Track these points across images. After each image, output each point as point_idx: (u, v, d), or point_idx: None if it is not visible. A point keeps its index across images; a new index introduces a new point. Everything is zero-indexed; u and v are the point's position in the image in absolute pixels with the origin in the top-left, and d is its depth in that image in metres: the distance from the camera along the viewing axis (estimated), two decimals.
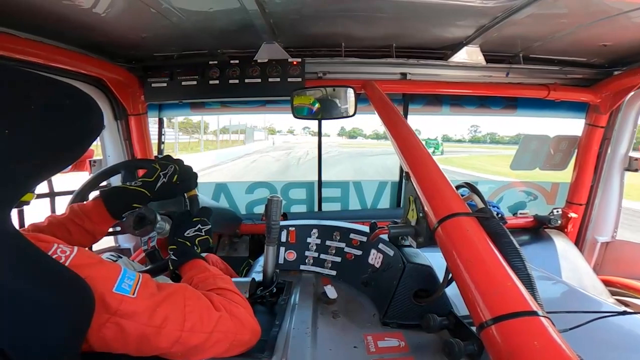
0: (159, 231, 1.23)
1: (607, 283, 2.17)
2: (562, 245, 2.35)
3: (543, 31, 1.62)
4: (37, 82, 0.60)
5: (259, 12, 1.38)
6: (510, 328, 0.57)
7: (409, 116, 2.35)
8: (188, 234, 1.04)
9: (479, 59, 1.88)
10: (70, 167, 0.90)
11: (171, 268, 1.01)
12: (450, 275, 0.88)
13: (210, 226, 1.11)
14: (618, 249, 2.33)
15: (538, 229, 2.50)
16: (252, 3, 1.29)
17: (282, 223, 1.42)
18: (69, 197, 1.47)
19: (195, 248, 1.03)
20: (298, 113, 1.93)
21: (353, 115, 1.92)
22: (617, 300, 1.99)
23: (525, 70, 2.07)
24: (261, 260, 1.43)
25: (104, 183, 1.78)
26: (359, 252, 1.34)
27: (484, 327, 0.59)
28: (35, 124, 0.56)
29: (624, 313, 1.03)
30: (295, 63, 1.89)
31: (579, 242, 2.45)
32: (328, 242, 1.41)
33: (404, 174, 1.13)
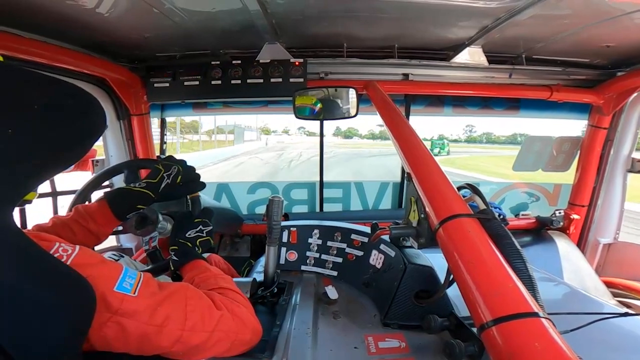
0: (160, 231, 1.23)
1: (609, 284, 2.16)
2: (564, 246, 2.34)
3: (546, 32, 1.61)
4: (40, 82, 0.60)
5: (261, 13, 1.38)
6: (511, 329, 0.56)
7: (410, 117, 2.34)
8: (189, 235, 1.05)
9: (482, 59, 1.88)
10: (72, 166, 0.91)
11: (172, 268, 1.02)
12: (452, 276, 0.88)
13: (211, 227, 1.11)
14: (620, 251, 2.32)
15: (540, 231, 2.49)
16: (254, 3, 1.29)
17: (284, 223, 1.42)
18: (72, 197, 1.48)
19: (197, 249, 1.04)
20: (300, 113, 1.92)
21: (355, 115, 1.92)
22: (619, 301, 1.99)
23: (528, 71, 2.07)
24: (262, 260, 1.43)
25: (107, 183, 1.79)
26: (360, 253, 1.33)
27: (485, 328, 0.59)
28: (38, 123, 0.56)
29: (626, 315, 1.03)
30: (297, 63, 1.89)
31: (581, 243, 2.44)
32: (329, 243, 1.41)
33: (405, 175, 1.13)
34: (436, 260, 1.04)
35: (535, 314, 0.57)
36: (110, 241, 2.16)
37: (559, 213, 2.45)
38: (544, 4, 1.26)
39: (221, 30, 1.62)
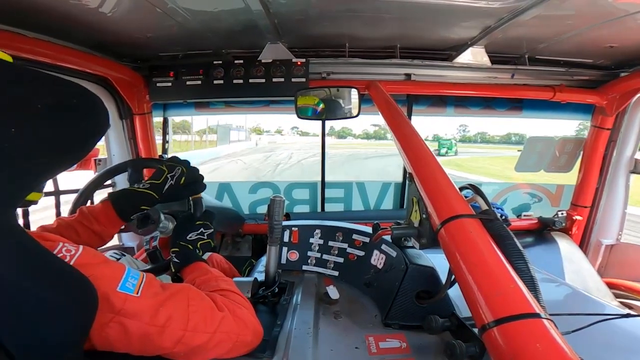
0: (162, 230, 1.24)
1: (611, 286, 2.15)
2: (566, 247, 2.33)
3: (549, 32, 1.61)
4: (44, 82, 0.60)
5: (264, 13, 1.38)
6: (512, 330, 0.56)
7: (412, 117, 2.34)
8: (190, 237, 1.05)
9: (484, 60, 1.87)
10: (75, 165, 0.91)
11: (173, 270, 1.02)
12: (453, 276, 0.88)
13: (212, 230, 1.12)
14: (623, 252, 2.31)
15: (542, 231, 2.48)
16: (256, 3, 1.29)
17: (285, 223, 1.42)
18: (75, 196, 1.48)
19: (198, 251, 1.04)
20: (302, 113, 1.92)
21: (357, 115, 1.92)
22: (621, 302, 1.98)
23: (531, 72, 2.06)
24: (263, 260, 1.43)
25: (109, 182, 1.80)
26: (361, 253, 1.33)
27: (486, 328, 0.59)
28: (41, 123, 0.56)
29: (628, 316, 1.02)
30: (299, 63, 1.89)
31: (583, 244, 2.43)
32: (331, 243, 1.41)
33: (407, 175, 1.13)
34: (438, 261, 1.04)
35: (537, 315, 0.57)
36: (113, 240, 2.16)
37: (562, 214, 2.44)
38: (547, 4, 1.25)
39: (223, 30, 1.63)
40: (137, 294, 0.65)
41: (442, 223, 0.82)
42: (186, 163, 1.14)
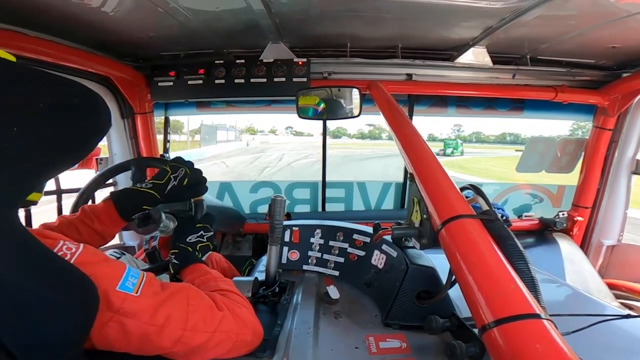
0: (163, 229, 1.23)
1: (612, 286, 2.15)
2: (567, 248, 2.33)
3: (551, 33, 1.61)
4: (46, 81, 0.60)
5: (265, 12, 1.38)
6: (512, 330, 0.56)
7: (414, 117, 2.34)
8: (190, 239, 1.05)
9: (486, 60, 1.87)
10: (77, 164, 0.91)
11: (172, 272, 1.02)
12: (453, 277, 0.88)
13: (212, 233, 1.12)
14: (624, 253, 2.31)
15: (543, 232, 2.48)
16: (258, 3, 1.29)
17: (286, 223, 1.42)
18: (76, 195, 1.48)
19: (197, 253, 1.04)
20: (303, 113, 1.92)
21: (358, 115, 1.92)
22: (622, 303, 1.97)
23: (533, 72, 2.06)
24: (264, 259, 1.43)
25: (110, 181, 1.80)
26: (362, 253, 1.33)
27: (486, 329, 0.59)
28: (43, 122, 0.56)
29: (628, 316, 1.02)
30: (300, 63, 1.89)
31: (584, 245, 2.43)
32: (331, 243, 1.41)
33: (408, 175, 1.13)
34: (438, 261, 1.04)
35: (537, 316, 0.57)
36: (114, 239, 2.17)
37: (563, 214, 2.44)
38: (549, 4, 1.25)
39: (225, 30, 1.63)
40: (137, 293, 0.65)
41: (442, 223, 0.82)
42: (190, 164, 1.13)
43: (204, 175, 1.17)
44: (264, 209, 2.61)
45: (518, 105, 2.42)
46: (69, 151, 0.62)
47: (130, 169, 1.52)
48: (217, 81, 1.91)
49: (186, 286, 0.78)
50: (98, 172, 1.59)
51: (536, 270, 0.76)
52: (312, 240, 1.44)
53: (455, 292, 0.88)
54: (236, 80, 1.91)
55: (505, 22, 1.46)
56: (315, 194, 2.63)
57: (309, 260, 1.42)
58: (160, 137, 2.37)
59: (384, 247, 1.23)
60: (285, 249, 1.44)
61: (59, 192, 1.74)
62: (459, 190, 0.92)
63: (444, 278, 0.99)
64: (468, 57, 1.87)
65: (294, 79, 1.89)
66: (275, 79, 1.89)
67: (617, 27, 1.43)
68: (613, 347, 0.97)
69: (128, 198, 1.05)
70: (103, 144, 2.15)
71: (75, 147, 0.63)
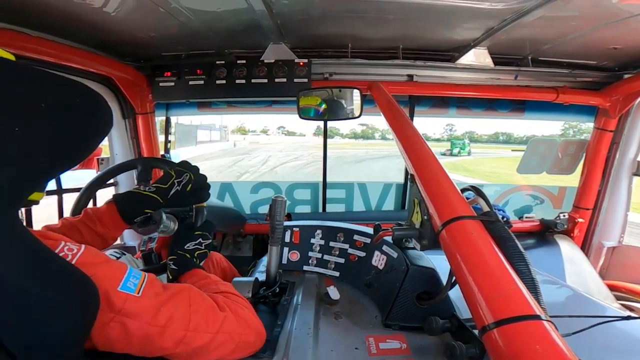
0: (164, 229, 1.23)
1: (612, 288, 2.15)
2: (568, 249, 2.32)
3: (552, 34, 1.60)
4: (48, 81, 0.61)
5: (266, 13, 1.39)
6: (512, 332, 0.56)
7: (415, 118, 2.34)
8: (188, 247, 1.05)
9: (487, 61, 1.87)
10: (78, 164, 0.91)
11: (171, 277, 1.02)
12: (454, 278, 0.88)
13: (210, 240, 1.12)
14: (624, 254, 2.30)
15: (544, 233, 2.47)
16: (259, 3, 1.30)
17: (286, 223, 1.42)
18: (77, 194, 1.48)
19: (195, 260, 1.04)
20: (304, 114, 1.93)
21: (359, 116, 1.92)
22: (622, 305, 1.97)
23: (534, 73, 2.06)
24: (264, 260, 1.43)
25: (111, 181, 1.80)
26: (362, 254, 1.33)
27: (487, 330, 0.59)
28: (45, 122, 0.56)
29: (628, 318, 1.02)
30: (301, 64, 1.89)
31: (585, 246, 2.43)
32: (332, 243, 1.41)
33: (409, 176, 1.13)
34: (438, 262, 1.04)
35: (537, 317, 0.57)
36: None
37: (564, 216, 2.44)
38: (551, 5, 1.25)
39: (226, 30, 1.63)
40: (138, 294, 0.65)
41: (443, 224, 0.82)
42: (195, 170, 1.13)
43: (208, 181, 1.16)
44: (264, 209, 2.61)
45: (519, 107, 2.41)
46: (70, 151, 0.62)
47: (137, 167, 1.52)
48: (218, 81, 1.91)
49: (188, 287, 0.78)
50: (104, 170, 1.58)
51: (537, 272, 0.75)
52: (312, 240, 1.44)
53: (455, 293, 0.88)
54: (237, 81, 1.91)
55: (507, 23, 1.46)
56: (316, 194, 2.63)
57: (310, 261, 1.42)
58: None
59: (385, 248, 1.23)
60: (286, 249, 1.44)
61: (60, 192, 1.75)
62: (459, 192, 0.92)
63: (444, 279, 0.99)
64: (469, 58, 1.87)
65: (295, 80, 1.89)
66: (277, 80, 1.90)
67: (618, 28, 1.43)
68: (613, 349, 0.97)
69: (131, 201, 1.05)
70: (104, 143, 2.16)
71: (76, 147, 0.63)
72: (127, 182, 2.14)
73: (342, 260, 1.38)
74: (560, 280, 1.69)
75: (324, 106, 1.93)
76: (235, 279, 1.21)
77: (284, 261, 1.43)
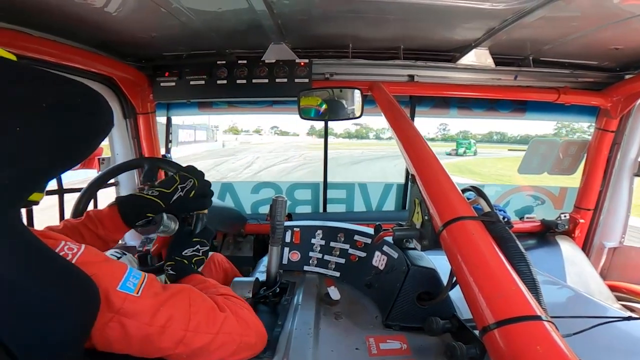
0: (165, 229, 1.23)
1: (613, 288, 2.14)
2: (569, 250, 2.32)
3: (554, 34, 1.60)
4: (50, 81, 0.61)
5: (267, 13, 1.39)
6: (513, 332, 0.56)
7: (415, 118, 2.34)
8: (186, 253, 1.05)
9: (488, 61, 1.87)
10: (79, 164, 0.91)
11: (169, 283, 1.02)
12: (454, 278, 0.88)
13: (208, 247, 1.12)
14: (626, 255, 2.30)
15: (545, 234, 2.47)
16: (260, 3, 1.30)
17: (287, 223, 1.42)
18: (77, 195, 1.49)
19: (192, 266, 1.04)
20: (305, 114, 1.92)
21: (360, 116, 1.92)
22: (623, 305, 1.97)
23: (535, 74, 2.05)
24: (265, 260, 1.44)
25: (112, 181, 1.80)
26: (363, 254, 1.33)
27: (487, 330, 0.59)
28: (46, 122, 0.56)
29: (629, 318, 1.02)
30: (302, 64, 1.89)
31: (586, 247, 2.42)
32: (332, 244, 1.41)
33: (409, 177, 1.13)
34: (439, 263, 1.04)
35: (538, 317, 0.57)
36: None
37: (565, 216, 2.44)
38: (552, 6, 1.25)
39: (227, 30, 1.63)
40: (137, 293, 0.65)
41: (444, 225, 0.82)
42: (199, 175, 1.12)
43: (211, 189, 1.16)
44: (265, 209, 2.62)
45: (520, 107, 2.41)
46: (71, 151, 0.62)
47: (143, 167, 1.52)
48: (219, 82, 1.92)
49: (187, 287, 0.77)
50: (109, 168, 1.59)
51: (537, 272, 0.75)
52: (313, 241, 1.44)
53: (456, 294, 0.88)
54: (238, 81, 1.91)
55: (508, 24, 1.45)
56: (317, 194, 2.63)
57: (310, 261, 1.42)
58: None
59: (385, 248, 1.23)
60: (286, 249, 1.44)
61: (60, 192, 1.75)
62: (460, 192, 0.92)
63: (444, 279, 0.99)
64: (470, 58, 1.87)
65: (296, 80, 1.90)
66: (277, 80, 1.90)
67: (620, 28, 1.43)
68: (614, 349, 0.96)
69: (133, 205, 1.04)
70: (105, 143, 2.16)
71: (76, 147, 0.63)
72: (128, 182, 2.14)
73: (342, 261, 1.38)
74: (561, 280, 1.69)
75: (324, 106, 1.93)
76: (236, 279, 1.21)
77: (285, 261, 1.43)
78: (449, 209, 0.85)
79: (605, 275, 2.32)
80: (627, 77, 2.02)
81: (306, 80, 1.90)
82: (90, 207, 1.48)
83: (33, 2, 1.17)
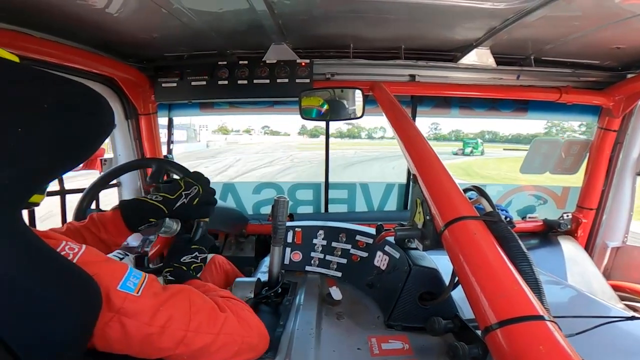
0: (166, 230, 1.23)
1: (616, 288, 2.14)
2: (572, 249, 2.31)
3: (555, 33, 1.60)
4: (51, 81, 0.61)
5: (268, 13, 1.39)
6: (515, 332, 0.56)
7: (417, 118, 2.34)
8: (184, 260, 1.05)
9: (489, 61, 1.87)
10: (81, 165, 0.91)
11: None
12: (456, 278, 0.88)
13: (206, 255, 1.12)
14: (629, 254, 2.29)
15: (547, 234, 2.46)
16: (261, 4, 1.30)
17: (289, 224, 1.43)
18: (79, 195, 1.49)
19: (191, 272, 1.05)
20: (306, 114, 1.92)
21: (361, 116, 1.92)
22: (627, 305, 1.96)
23: (537, 73, 2.05)
24: (267, 260, 1.44)
25: (114, 181, 1.80)
26: (364, 254, 1.33)
27: (489, 330, 0.59)
28: (47, 122, 0.57)
29: (632, 318, 1.01)
30: (303, 64, 1.89)
31: (589, 247, 2.42)
32: (334, 244, 1.41)
33: (411, 177, 1.12)
34: (441, 262, 1.04)
35: (541, 317, 0.56)
36: None
37: (567, 216, 2.43)
38: (553, 5, 1.25)
39: (228, 31, 1.63)
40: (138, 293, 0.65)
41: (445, 225, 0.81)
42: (205, 182, 1.12)
43: (215, 197, 1.15)
44: (267, 209, 2.62)
45: (522, 106, 2.40)
46: (72, 151, 0.62)
47: (151, 167, 1.52)
48: (220, 82, 1.92)
49: (187, 288, 0.78)
50: (116, 167, 1.59)
51: (540, 272, 0.75)
52: (314, 241, 1.44)
53: (458, 294, 0.88)
54: (239, 81, 1.91)
55: (509, 23, 1.45)
56: (318, 195, 2.63)
57: (312, 261, 1.42)
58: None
59: (387, 248, 1.22)
60: (288, 250, 1.44)
61: (62, 193, 1.75)
62: (462, 192, 0.92)
63: (446, 279, 0.99)
64: (471, 58, 1.87)
65: (297, 80, 1.90)
66: (279, 80, 1.90)
67: (621, 28, 1.42)
68: (617, 349, 0.96)
69: (136, 209, 1.04)
70: (107, 143, 2.17)
71: (77, 148, 0.63)
72: (130, 183, 2.15)
73: (344, 261, 1.38)
74: (564, 280, 1.69)
75: (326, 106, 1.93)
76: (238, 279, 1.21)
77: (287, 261, 1.43)
78: (451, 209, 0.84)
79: (608, 275, 2.31)
80: (629, 76, 2.01)
81: (307, 80, 1.90)
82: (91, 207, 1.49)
83: (34, 2, 1.18)
